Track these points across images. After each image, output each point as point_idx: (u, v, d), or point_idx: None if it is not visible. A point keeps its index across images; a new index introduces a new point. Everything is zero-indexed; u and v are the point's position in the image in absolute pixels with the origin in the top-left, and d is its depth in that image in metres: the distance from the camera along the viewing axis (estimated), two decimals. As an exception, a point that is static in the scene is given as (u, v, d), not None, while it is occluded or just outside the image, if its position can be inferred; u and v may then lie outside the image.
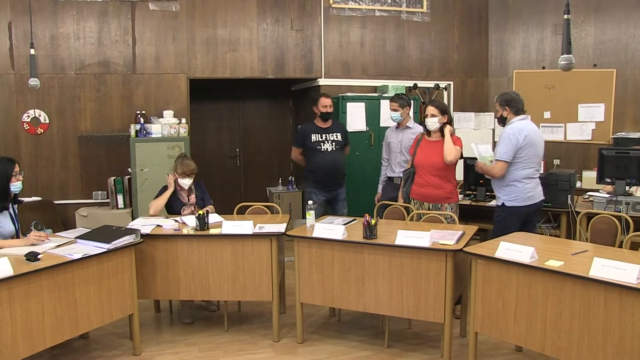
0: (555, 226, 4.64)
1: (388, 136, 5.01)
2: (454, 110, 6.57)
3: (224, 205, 4.84)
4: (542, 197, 4.11)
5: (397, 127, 4.95)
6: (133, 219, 5.00)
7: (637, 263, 2.60)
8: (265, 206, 4.68)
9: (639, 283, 2.54)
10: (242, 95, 7.54)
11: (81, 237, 3.58)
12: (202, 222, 3.82)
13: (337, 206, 5.19)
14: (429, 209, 4.19)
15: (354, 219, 4.13)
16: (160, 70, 5.85)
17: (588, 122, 6.04)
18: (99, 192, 5.67)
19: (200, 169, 4.60)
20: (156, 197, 4.34)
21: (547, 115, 6.27)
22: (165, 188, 4.35)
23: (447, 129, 4.16)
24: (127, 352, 3.70)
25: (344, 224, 3.79)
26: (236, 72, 6.06)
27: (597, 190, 4.62)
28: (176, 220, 4.05)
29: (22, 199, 3.95)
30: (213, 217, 4.09)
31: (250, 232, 3.75)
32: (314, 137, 5.09)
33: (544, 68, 6.34)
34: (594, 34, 5.98)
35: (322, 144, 5.07)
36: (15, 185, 3.51)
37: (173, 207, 4.36)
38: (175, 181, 4.32)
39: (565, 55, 2.94)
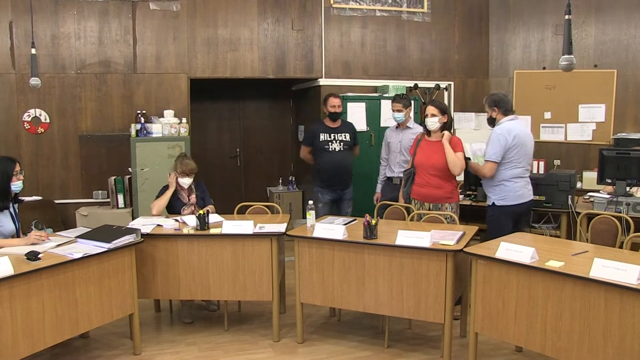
0: (555, 227, 4.64)
1: (388, 136, 5.02)
2: (454, 111, 6.56)
3: (225, 205, 4.84)
4: (532, 197, 4.16)
5: (396, 127, 4.95)
6: (133, 218, 5.00)
7: (637, 264, 2.60)
8: (265, 206, 4.68)
9: (639, 284, 2.54)
10: (243, 95, 7.54)
11: (81, 236, 3.59)
12: (203, 222, 3.82)
13: (342, 205, 5.20)
14: (429, 209, 4.19)
15: (354, 219, 4.13)
16: (161, 70, 5.85)
17: (589, 123, 6.03)
18: (100, 191, 5.67)
19: (201, 168, 4.60)
20: (157, 197, 4.34)
21: (547, 115, 6.27)
22: (165, 188, 4.35)
23: (445, 137, 4.11)
24: (127, 351, 3.70)
25: (344, 224, 3.79)
26: (237, 72, 6.06)
27: (598, 191, 4.62)
28: (176, 220, 4.05)
29: (23, 198, 3.95)
30: (213, 217, 4.09)
31: (251, 232, 3.75)
32: (322, 137, 5.08)
33: (544, 68, 6.34)
34: (595, 34, 5.98)
35: (330, 143, 5.07)
36: (16, 185, 3.51)
37: (173, 207, 4.36)
38: (176, 180, 4.32)
39: (566, 56, 2.93)
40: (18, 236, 3.58)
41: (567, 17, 2.93)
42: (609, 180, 4.50)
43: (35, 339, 3.01)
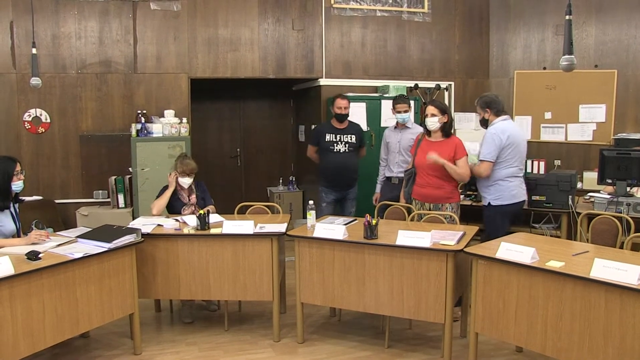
0: (556, 227, 4.65)
1: (387, 136, 5.02)
2: (454, 111, 6.57)
3: (225, 205, 4.84)
4: (525, 197, 4.23)
5: (396, 127, 4.95)
6: (134, 218, 5.00)
7: (638, 264, 2.60)
8: (266, 206, 4.68)
9: (639, 284, 2.54)
10: (243, 95, 7.54)
11: (82, 236, 3.59)
12: (203, 222, 3.83)
13: (346, 205, 5.21)
14: (429, 209, 4.19)
15: (355, 219, 4.14)
16: (162, 69, 5.85)
17: (589, 123, 6.03)
18: (100, 191, 5.67)
19: (201, 168, 4.60)
20: (157, 197, 4.34)
21: (548, 115, 6.27)
22: (166, 188, 4.35)
23: (435, 158, 4.03)
24: (127, 351, 3.70)
25: (345, 224, 3.79)
26: (237, 72, 6.06)
27: (598, 191, 4.62)
28: (177, 220, 4.05)
29: (23, 198, 3.96)
30: (214, 217, 4.09)
31: (251, 232, 3.75)
32: (328, 137, 5.09)
33: (545, 69, 6.34)
34: (595, 34, 5.98)
35: (335, 144, 5.07)
36: (17, 185, 3.51)
37: (174, 207, 4.36)
38: (176, 180, 4.32)
39: (566, 56, 2.93)
40: (19, 236, 3.58)
41: (567, 17, 2.93)
42: (609, 181, 4.50)
43: (36, 338, 3.01)
